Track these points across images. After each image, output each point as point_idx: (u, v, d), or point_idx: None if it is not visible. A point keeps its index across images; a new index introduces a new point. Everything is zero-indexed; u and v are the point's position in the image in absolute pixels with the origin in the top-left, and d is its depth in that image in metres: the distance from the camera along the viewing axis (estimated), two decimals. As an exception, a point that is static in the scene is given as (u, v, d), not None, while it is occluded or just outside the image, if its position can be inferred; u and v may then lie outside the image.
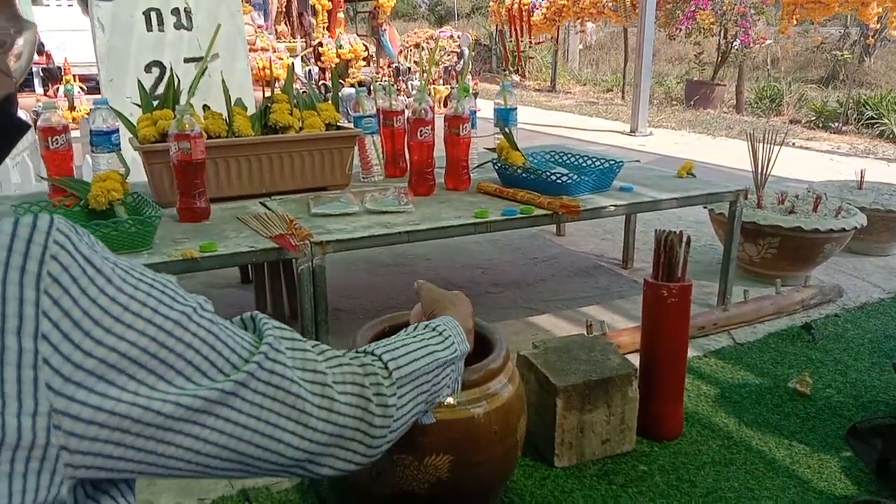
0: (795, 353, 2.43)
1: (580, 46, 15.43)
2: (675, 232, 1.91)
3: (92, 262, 0.52)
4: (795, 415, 2.04)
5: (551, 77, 13.23)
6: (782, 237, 2.90)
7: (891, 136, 7.45)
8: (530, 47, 13.86)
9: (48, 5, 9.58)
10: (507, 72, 14.72)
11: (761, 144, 3.09)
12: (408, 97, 8.66)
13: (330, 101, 2.72)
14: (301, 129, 2.52)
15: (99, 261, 0.52)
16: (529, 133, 7.42)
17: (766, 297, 2.74)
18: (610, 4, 10.66)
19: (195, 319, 0.56)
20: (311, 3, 9.43)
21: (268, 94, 2.62)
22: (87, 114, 7.04)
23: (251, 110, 2.67)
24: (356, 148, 2.68)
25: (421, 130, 2.51)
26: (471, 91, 9.31)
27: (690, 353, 2.40)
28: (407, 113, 2.71)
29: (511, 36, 13.66)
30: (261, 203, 2.38)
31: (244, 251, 1.90)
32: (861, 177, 3.65)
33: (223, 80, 2.60)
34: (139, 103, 2.52)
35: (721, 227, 2.99)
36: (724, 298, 2.74)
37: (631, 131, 7.61)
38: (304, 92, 2.75)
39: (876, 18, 7.73)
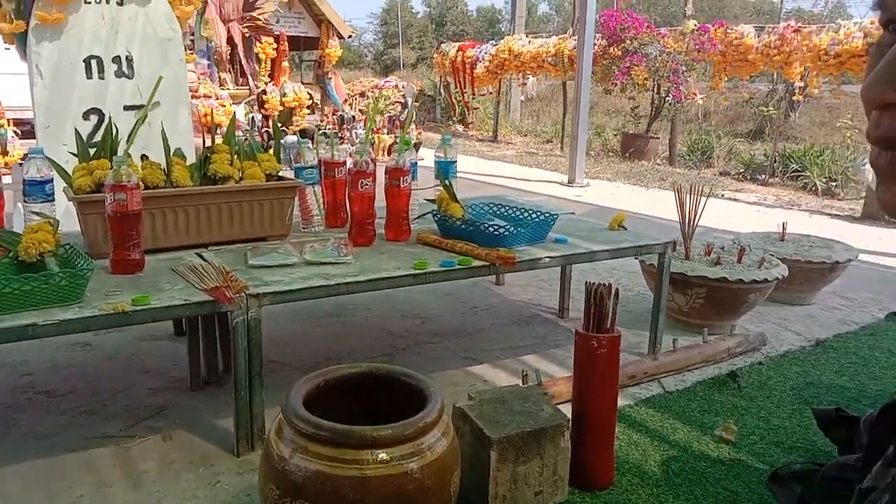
0: (722, 401, 2.52)
1: (522, 98, 15.87)
2: (604, 284, 1.98)
3: None
4: (721, 462, 2.11)
5: (493, 128, 13.55)
6: (709, 288, 3.03)
7: (813, 188, 7.87)
8: (473, 98, 14.18)
9: (-18, 47, 9.37)
10: (451, 122, 15.00)
11: (688, 197, 3.24)
12: (352, 145, 8.72)
13: (271, 151, 2.74)
14: (241, 179, 2.53)
15: None
16: (472, 183, 7.56)
17: (694, 346, 2.84)
18: (549, 59, 11.04)
19: None
20: (255, 51, 9.49)
21: (210, 141, 2.63)
22: (21, 159, 6.86)
23: (192, 158, 2.67)
24: (296, 198, 2.70)
25: (362, 182, 2.55)
26: (412, 142, 9.44)
27: (622, 401, 2.47)
28: (349, 164, 2.75)
29: (455, 87, 13.97)
30: (197, 254, 2.37)
31: (178, 304, 1.89)
32: (783, 229, 3.85)
33: (163, 130, 2.61)
34: (75, 152, 2.50)
35: (651, 278, 3.09)
36: (654, 347, 2.82)
37: (569, 182, 7.83)
38: (245, 140, 2.77)
39: (799, 77, 8.23)
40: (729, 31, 8.66)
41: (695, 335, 3.02)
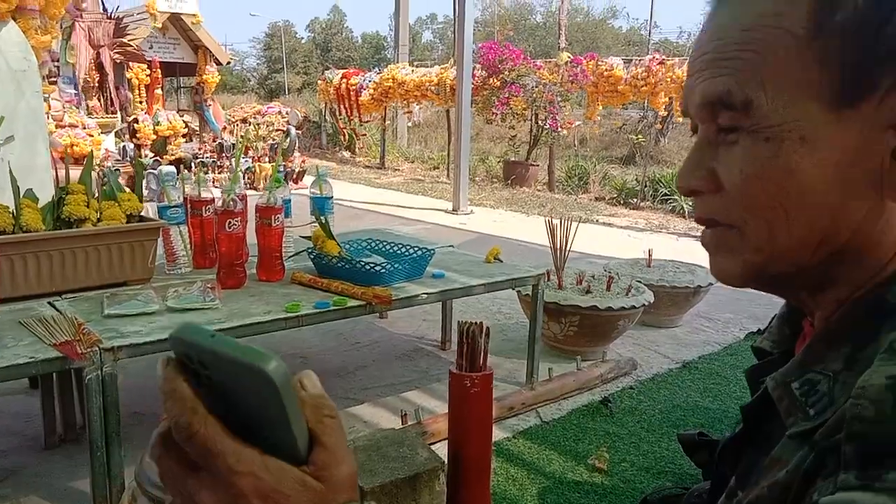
0: (595, 429, 2.60)
1: (409, 124, 16.01)
2: (476, 322, 2.00)
3: None
4: (594, 491, 2.16)
5: (380, 155, 13.57)
6: (581, 316, 3.13)
7: (681, 211, 8.35)
8: (361, 125, 14.18)
9: None
10: (337, 148, 14.92)
11: (558, 227, 3.35)
12: (231, 174, 8.47)
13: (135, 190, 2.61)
14: (99, 220, 2.39)
15: None
16: (357, 211, 7.52)
17: (568, 374, 2.92)
18: (433, 88, 11.22)
19: None
20: (127, 77, 9.09)
21: (74, 174, 2.47)
22: None
23: (51, 194, 2.50)
24: (160, 239, 2.57)
25: (230, 222, 2.46)
26: (296, 172, 9.21)
27: (501, 434, 2.50)
28: (217, 202, 2.65)
29: (341, 114, 13.92)
30: (49, 303, 2.20)
31: (22, 363, 1.74)
32: (649, 256, 4.05)
33: (10, 171, 2.42)
34: None
35: (528, 307, 3.16)
36: (531, 377, 2.88)
37: (453, 210, 7.93)
38: (104, 183, 2.61)
39: (664, 106, 8.77)
40: (600, 63, 9.11)
41: (570, 362, 3.10)
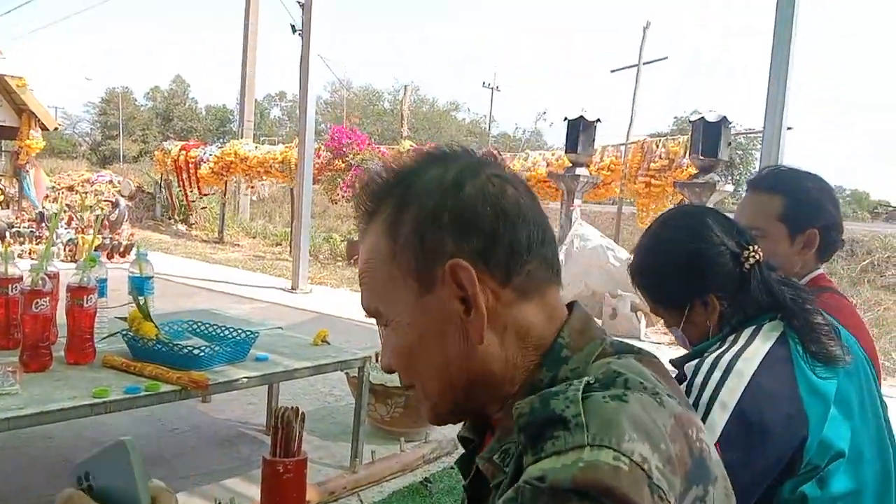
0: (414, 510, 2.65)
1: (253, 198, 15.77)
2: (291, 407, 2.03)
3: None
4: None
5: (219, 229, 13.21)
6: (406, 397, 3.22)
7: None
8: (201, 198, 13.77)
9: None
10: (172, 221, 14.36)
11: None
12: (52, 245, 7.88)
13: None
14: None
15: None
16: (190, 289, 7.25)
17: (392, 456, 2.97)
18: (277, 165, 11.23)
19: None
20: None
21: None
22: None
23: None
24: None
25: (37, 303, 2.34)
26: (125, 245, 8.77)
27: (320, 520, 2.49)
28: (26, 280, 2.51)
29: (178, 186, 13.49)
30: None
31: None
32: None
33: None
34: None
35: (355, 388, 3.21)
36: (354, 461, 2.90)
37: (292, 288, 7.86)
38: None
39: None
40: (439, 152, 9.59)
41: (396, 443, 3.16)
